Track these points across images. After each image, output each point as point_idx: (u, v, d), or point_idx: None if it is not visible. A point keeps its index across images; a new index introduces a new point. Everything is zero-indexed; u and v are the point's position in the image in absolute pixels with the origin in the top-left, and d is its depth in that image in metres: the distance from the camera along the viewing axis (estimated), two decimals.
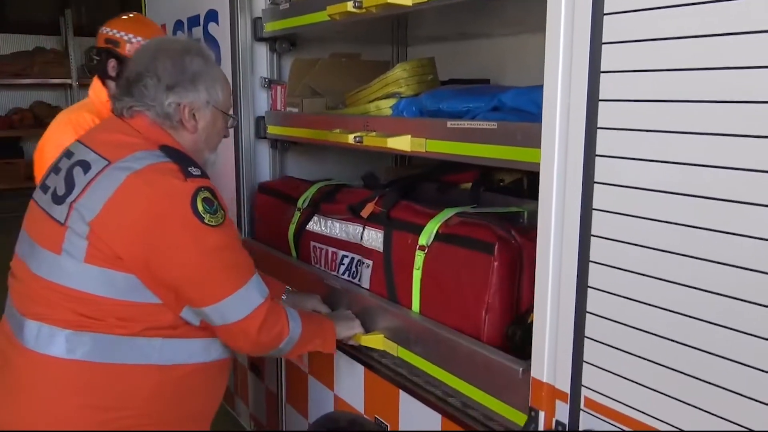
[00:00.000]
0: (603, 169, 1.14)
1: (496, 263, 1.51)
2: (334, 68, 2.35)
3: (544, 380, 1.28)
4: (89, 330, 1.41)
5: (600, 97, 1.13)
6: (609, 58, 1.11)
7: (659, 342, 1.08)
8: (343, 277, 1.98)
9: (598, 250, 1.16)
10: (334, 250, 2.03)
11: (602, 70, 1.12)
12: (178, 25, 2.81)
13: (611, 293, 1.14)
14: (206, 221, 1.41)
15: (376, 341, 1.78)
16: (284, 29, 2.27)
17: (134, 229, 1.39)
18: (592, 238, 1.17)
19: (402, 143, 1.72)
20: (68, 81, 7.73)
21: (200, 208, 1.41)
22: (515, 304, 1.54)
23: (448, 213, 1.72)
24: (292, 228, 2.21)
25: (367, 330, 1.82)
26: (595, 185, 1.15)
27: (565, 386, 1.23)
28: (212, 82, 1.58)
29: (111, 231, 1.39)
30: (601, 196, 1.15)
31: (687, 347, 1.04)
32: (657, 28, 1.03)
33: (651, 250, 1.08)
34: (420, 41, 2.71)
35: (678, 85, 1.01)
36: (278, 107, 2.39)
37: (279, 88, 2.38)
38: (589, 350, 1.19)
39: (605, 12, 1.10)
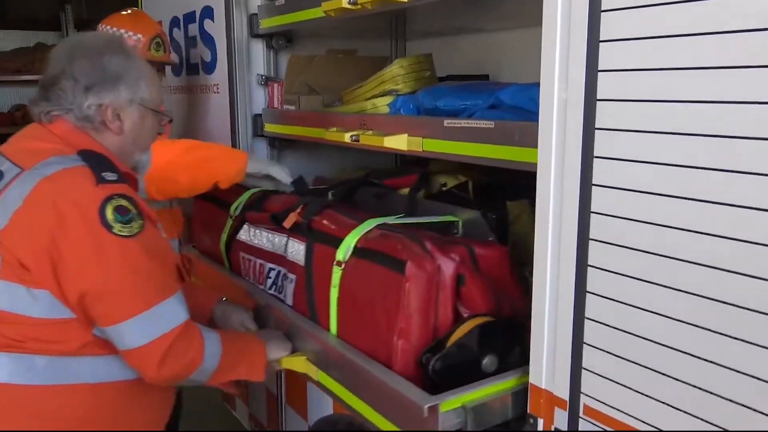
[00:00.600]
0: (601, 171, 1.11)
1: (407, 284, 1.37)
2: (331, 65, 2.31)
3: (543, 387, 1.25)
4: (11, 351, 1.33)
5: (598, 97, 1.10)
6: (607, 56, 1.07)
7: (659, 349, 1.05)
8: (269, 291, 1.85)
9: (596, 254, 1.13)
10: (262, 262, 1.89)
11: (600, 68, 1.09)
12: (174, 21, 2.78)
13: (610, 299, 1.11)
14: (115, 231, 1.30)
15: (298, 364, 1.64)
16: (280, 25, 2.23)
17: (40, 239, 1.30)
18: (590, 241, 1.14)
19: (398, 142, 1.69)
20: None
21: (109, 216, 1.30)
22: (432, 328, 1.41)
23: (369, 225, 1.58)
24: (223, 237, 2.08)
25: (295, 350, 1.67)
26: (594, 188, 1.12)
27: (563, 393, 1.21)
28: (135, 79, 1.47)
29: (18, 242, 1.31)
30: (599, 199, 1.11)
31: (687, 355, 1.01)
32: (657, 25, 1.00)
33: (651, 255, 1.04)
34: (419, 36, 2.67)
35: (678, 85, 0.98)
36: (275, 105, 2.36)
37: (276, 85, 2.34)
38: (588, 357, 1.16)
39: (603, 9, 1.07)
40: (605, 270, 1.12)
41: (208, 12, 2.48)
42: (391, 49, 2.67)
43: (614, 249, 1.10)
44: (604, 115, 1.09)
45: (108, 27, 2.34)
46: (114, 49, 1.48)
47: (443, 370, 1.33)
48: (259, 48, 2.41)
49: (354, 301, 1.52)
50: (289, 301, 1.76)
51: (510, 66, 2.34)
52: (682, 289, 1.00)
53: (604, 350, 1.13)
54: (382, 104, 1.89)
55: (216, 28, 2.44)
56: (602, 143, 1.10)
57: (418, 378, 1.37)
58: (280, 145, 2.50)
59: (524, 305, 1.38)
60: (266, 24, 2.29)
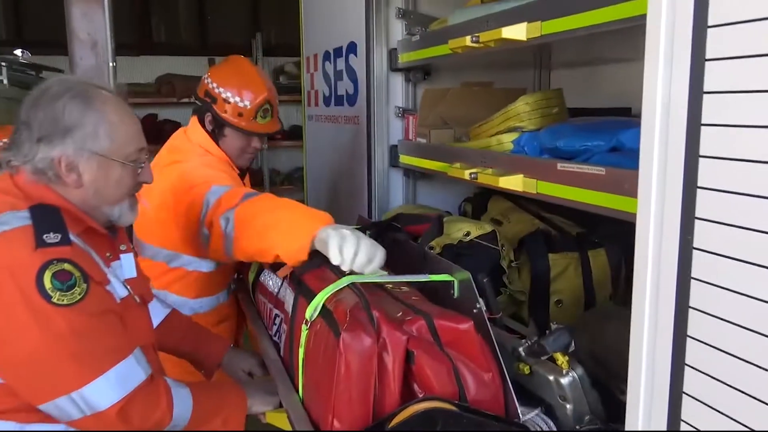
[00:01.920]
0: (703, 235, 1.00)
1: (340, 357, 1.24)
2: (465, 97, 2.32)
3: None
4: None
5: (701, 153, 1.00)
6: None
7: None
8: (274, 338, 1.77)
9: (697, 325, 1.02)
10: (271, 306, 1.81)
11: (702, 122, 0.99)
12: (326, 55, 2.94)
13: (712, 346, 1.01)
14: (54, 301, 1.21)
15: (280, 421, 1.55)
16: (418, 60, 2.29)
17: None
18: (689, 310, 1.03)
19: (514, 183, 1.65)
20: None
21: (47, 285, 1.21)
22: (372, 407, 1.26)
23: (342, 283, 1.46)
24: (251, 277, 2.03)
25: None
26: (694, 251, 1.02)
27: None
28: (94, 128, 1.35)
29: None
30: (700, 268, 1.01)
31: None
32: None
33: (752, 333, 0.93)
34: (564, 66, 2.58)
35: None
36: (410, 137, 2.41)
37: (411, 117, 2.39)
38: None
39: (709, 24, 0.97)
40: (706, 343, 1.01)
41: (352, 47, 2.59)
42: (534, 79, 2.61)
43: (716, 322, 0.99)
44: (705, 173, 0.99)
45: (211, 82, 2.15)
46: (72, 95, 1.36)
47: None
48: (398, 81, 2.48)
49: (314, 365, 1.41)
50: (283, 351, 1.67)
51: None
52: None
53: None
54: (507, 140, 1.85)
55: (359, 62, 2.55)
56: (705, 204, 1.00)
57: None
58: (414, 176, 2.54)
59: (496, 384, 1.27)
60: (405, 58, 2.36)
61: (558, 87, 2.49)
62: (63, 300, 1.22)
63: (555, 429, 1.31)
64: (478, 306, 1.38)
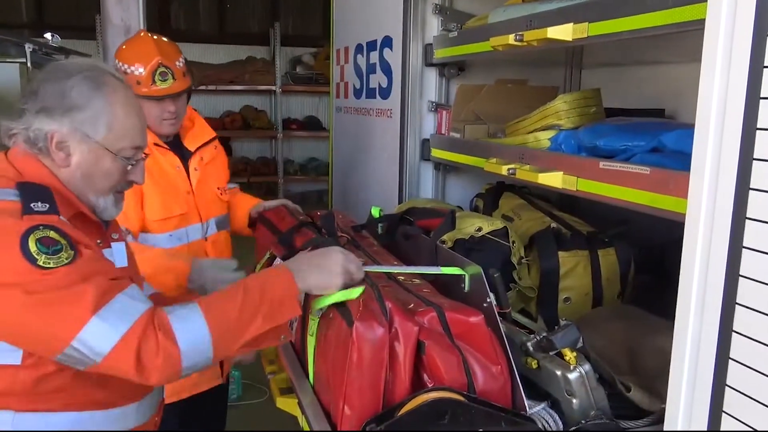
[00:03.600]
0: (753, 233, 1.04)
1: (353, 345, 1.27)
2: (500, 94, 2.35)
3: None
4: None
5: (755, 156, 1.04)
6: None
7: None
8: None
9: (743, 322, 1.07)
10: None
11: (758, 126, 1.03)
12: (359, 48, 2.98)
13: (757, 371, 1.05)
14: (40, 263, 1.19)
15: (290, 405, 1.59)
16: (453, 56, 2.32)
17: None
18: (737, 306, 1.08)
19: (553, 180, 1.69)
20: (273, 88, 8.43)
21: (32, 248, 1.19)
22: (383, 396, 1.29)
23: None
24: (258, 269, 2.03)
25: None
26: (744, 250, 1.06)
27: None
28: (95, 113, 1.34)
29: None
30: (749, 265, 1.05)
31: None
32: None
33: None
34: (595, 66, 2.62)
35: None
36: (443, 131, 2.45)
37: (445, 112, 2.43)
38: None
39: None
40: (752, 338, 1.05)
41: (387, 41, 2.63)
42: (565, 78, 2.65)
43: (762, 318, 1.03)
44: (760, 176, 1.03)
45: (116, 62, 2.20)
46: (83, 76, 1.35)
47: None
48: (432, 76, 2.52)
49: (326, 353, 1.43)
50: (295, 337, 1.68)
51: (688, 101, 2.21)
52: None
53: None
54: (544, 138, 1.89)
55: (393, 56, 2.59)
56: (757, 205, 1.04)
57: None
58: (444, 169, 2.58)
59: (504, 377, 1.30)
60: (440, 54, 2.39)
61: (589, 86, 2.53)
62: (49, 263, 1.19)
63: (561, 423, 1.36)
64: (488, 300, 1.41)
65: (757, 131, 1.03)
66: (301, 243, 1.76)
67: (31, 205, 1.25)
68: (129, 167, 1.43)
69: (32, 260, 1.19)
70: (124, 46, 2.24)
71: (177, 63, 2.20)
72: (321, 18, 8.66)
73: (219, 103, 8.72)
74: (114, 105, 1.37)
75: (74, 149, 1.35)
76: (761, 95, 1.02)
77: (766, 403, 1.04)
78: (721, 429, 1.11)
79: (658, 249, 2.02)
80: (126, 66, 2.15)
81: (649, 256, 2.05)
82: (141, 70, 2.13)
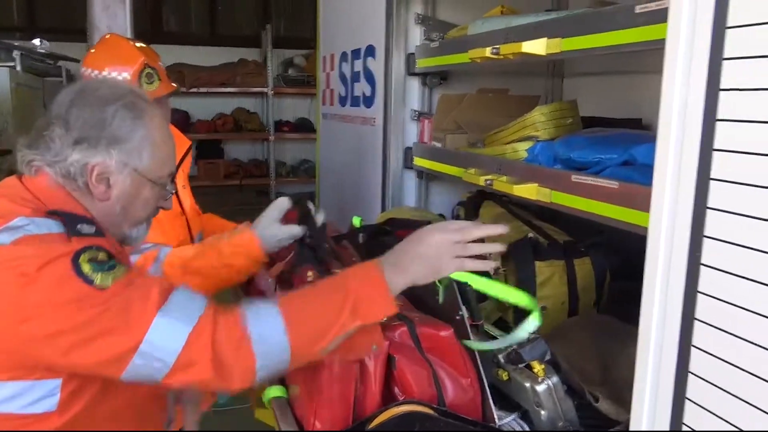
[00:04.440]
0: (711, 254, 1.07)
1: (324, 361, 1.28)
2: (481, 103, 2.38)
3: None
4: None
5: (711, 176, 1.07)
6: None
7: None
8: None
9: (702, 337, 1.10)
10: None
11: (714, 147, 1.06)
12: (343, 56, 3.00)
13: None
14: (97, 284, 1.12)
15: (268, 416, 1.57)
16: (436, 66, 2.35)
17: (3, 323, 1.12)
18: (695, 321, 1.11)
19: (528, 191, 1.72)
20: (265, 90, 8.44)
21: (86, 269, 1.12)
22: (352, 409, 1.31)
23: None
24: None
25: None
26: (702, 267, 1.09)
27: None
28: (138, 142, 1.29)
29: None
30: (707, 282, 1.08)
31: None
32: None
33: (759, 317, 1.00)
34: (576, 75, 2.65)
35: None
36: (425, 140, 2.47)
37: (427, 121, 2.46)
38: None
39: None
40: (709, 353, 1.08)
41: (371, 50, 2.66)
42: (547, 87, 2.68)
43: (720, 334, 1.06)
44: (717, 195, 1.06)
45: (89, 69, 2.03)
46: (122, 103, 1.28)
47: None
48: (415, 85, 2.55)
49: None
50: None
51: None
52: None
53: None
54: (522, 149, 1.92)
55: (377, 65, 2.61)
56: (714, 224, 1.07)
57: None
58: (427, 177, 2.61)
59: (474, 389, 1.33)
60: (422, 64, 2.42)
61: (570, 95, 2.57)
62: (107, 281, 1.13)
63: None
64: (460, 313, 1.42)
65: (714, 152, 1.06)
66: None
67: (78, 227, 1.19)
68: (165, 193, 1.40)
69: (89, 281, 1.12)
70: (93, 51, 2.10)
71: (160, 64, 2.12)
72: (313, 20, 8.64)
73: (211, 105, 8.72)
74: (154, 132, 1.32)
75: (115, 182, 1.28)
76: (717, 117, 1.05)
77: (722, 417, 1.07)
78: None
79: (634, 258, 2.04)
80: (106, 72, 2.00)
81: (624, 265, 2.08)
82: (125, 74, 2.00)
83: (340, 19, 3.08)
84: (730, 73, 1.04)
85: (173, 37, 8.69)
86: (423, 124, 2.49)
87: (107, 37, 2.21)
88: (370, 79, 2.66)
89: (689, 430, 1.13)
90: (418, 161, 2.48)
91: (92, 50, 2.11)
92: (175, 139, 2.22)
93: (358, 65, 2.80)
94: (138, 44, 2.15)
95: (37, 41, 4.19)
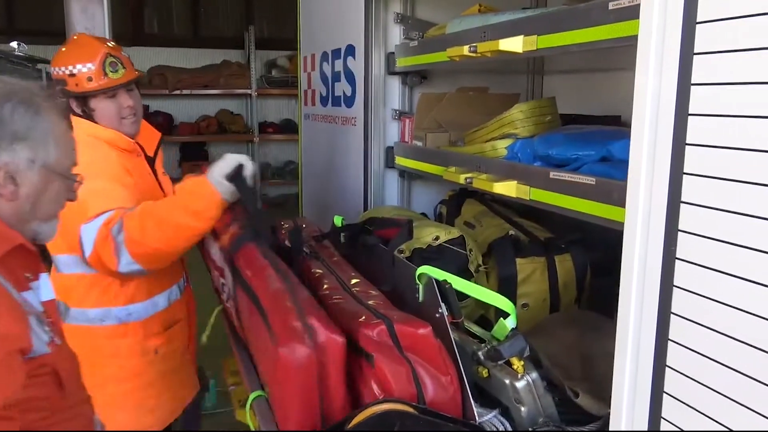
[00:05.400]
0: (686, 248, 1.08)
1: (280, 370, 1.27)
2: (461, 102, 2.38)
3: None
4: None
5: (684, 170, 1.07)
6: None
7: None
8: (226, 304, 1.90)
9: (678, 330, 1.10)
10: (217, 274, 1.94)
11: (687, 142, 1.06)
12: (324, 56, 2.99)
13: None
14: None
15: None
16: (415, 65, 2.35)
17: None
18: (671, 315, 1.11)
19: (508, 189, 1.72)
20: (248, 91, 8.40)
21: None
22: (320, 413, 1.30)
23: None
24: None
25: None
26: (677, 261, 1.10)
27: None
28: (42, 137, 1.27)
29: None
30: (682, 276, 1.09)
31: None
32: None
33: (736, 342, 1.01)
34: (556, 72, 2.66)
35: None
36: (406, 139, 2.47)
37: (408, 120, 2.46)
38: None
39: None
40: (686, 347, 1.09)
41: (350, 50, 2.65)
42: (528, 85, 2.69)
43: (696, 327, 1.07)
44: (690, 189, 1.07)
45: (56, 68, 2.12)
46: (18, 100, 1.25)
47: None
48: (395, 84, 2.54)
49: (262, 359, 1.46)
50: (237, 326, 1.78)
51: None
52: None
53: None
54: (501, 147, 1.93)
55: (357, 65, 2.61)
56: (688, 218, 1.08)
57: None
58: (409, 176, 2.61)
59: (454, 386, 1.33)
60: (402, 63, 2.42)
61: (550, 93, 2.57)
62: None
63: (511, 430, 1.39)
64: (440, 311, 1.42)
65: (687, 146, 1.07)
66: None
67: None
68: (75, 185, 1.38)
69: None
70: (63, 49, 2.16)
71: (123, 53, 2.17)
72: (295, 21, 8.64)
73: (194, 107, 8.67)
74: (54, 126, 1.31)
75: (22, 180, 1.26)
76: (689, 111, 1.06)
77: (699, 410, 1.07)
78: None
79: (615, 253, 2.05)
80: (72, 67, 2.06)
81: (605, 261, 2.09)
82: (90, 65, 2.06)
83: (320, 19, 3.07)
84: (701, 68, 1.04)
85: (155, 39, 8.63)
86: (404, 123, 2.49)
87: (74, 36, 2.29)
88: (351, 78, 2.65)
89: (668, 424, 1.14)
90: (400, 160, 2.48)
91: (62, 49, 2.18)
92: (146, 131, 2.26)
93: (339, 65, 2.79)
94: (102, 38, 2.24)
95: (14, 44, 4.14)
